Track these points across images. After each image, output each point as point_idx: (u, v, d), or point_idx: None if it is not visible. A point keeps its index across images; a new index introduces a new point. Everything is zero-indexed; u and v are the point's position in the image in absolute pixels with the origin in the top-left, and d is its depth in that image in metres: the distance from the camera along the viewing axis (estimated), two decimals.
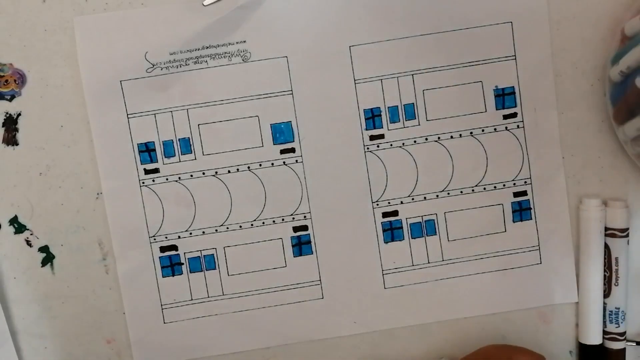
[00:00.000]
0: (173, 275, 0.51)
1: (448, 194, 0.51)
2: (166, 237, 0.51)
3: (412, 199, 0.51)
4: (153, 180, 0.50)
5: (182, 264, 0.51)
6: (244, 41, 0.49)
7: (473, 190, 0.51)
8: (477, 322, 0.51)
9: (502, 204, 0.51)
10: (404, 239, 0.51)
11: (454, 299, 0.51)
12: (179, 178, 0.50)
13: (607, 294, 0.50)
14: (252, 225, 0.51)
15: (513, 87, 0.50)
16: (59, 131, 0.50)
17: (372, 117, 0.50)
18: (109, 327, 0.51)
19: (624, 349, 0.50)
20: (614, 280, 0.50)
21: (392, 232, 0.51)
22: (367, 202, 0.51)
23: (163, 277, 0.51)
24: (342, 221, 0.51)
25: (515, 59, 0.50)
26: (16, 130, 0.50)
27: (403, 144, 0.50)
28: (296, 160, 0.50)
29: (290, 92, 0.50)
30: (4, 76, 0.49)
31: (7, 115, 0.50)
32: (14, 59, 0.49)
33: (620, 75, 0.45)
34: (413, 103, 0.50)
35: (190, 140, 0.50)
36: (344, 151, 0.50)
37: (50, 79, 0.49)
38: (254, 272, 0.51)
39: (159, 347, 0.51)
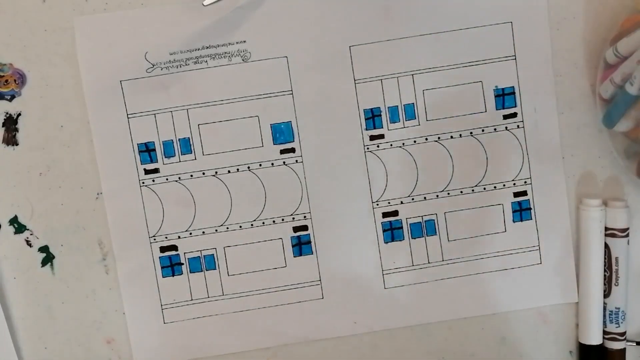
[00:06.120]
0: (173, 276, 0.51)
1: (448, 194, 0.51)
2: (166, 237, 0.51)
3: (412, 199, 0.51)
4: (153, 180, 0.50)
5: (182, 264, 0.51)
6: (244, 41, 0.49)
7: (473, 190, 0.51)
8: (477, 322, 0.51)
9: (502, 204, 0.51)
10: (404, 239, 0.51)
11: (454, 299, 0.51)
12: (179, 178, 0.50)
13: (607, 294, 0.50)
14: (252, 225, 0.51)
15: (513, 87, 0.50)
16: (59, 131, 0.50)
17: (372, 117, 0.50)
18: (109, 327, 0.51)
19: (624, 349, 0.50)
20: (614, 280, 0.50)
21: (392, 232, 0.51)
22: (367, 202, 0.51)
23: (163, 277, 0.51)
24: (342, 221, 0.51)
25: (515, 59, 0.50)
26: (16, 130, 0.50)
27: (403, 144, 0.50)
28: (296, 160, 0.50)
29: (290, 92, 0.50)
30: (4, 76, 0.49)
31: (7, 115, 0.50)
32: (14, 59, 0.49)
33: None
34: (413, 103, 0.50)
35: (190, 140, 0.50)
36: (344, 151, 0.50)
37: (50, 79, 0.49)
38: (254, 272, 0.51)
39: (159, 347, 0.51)
